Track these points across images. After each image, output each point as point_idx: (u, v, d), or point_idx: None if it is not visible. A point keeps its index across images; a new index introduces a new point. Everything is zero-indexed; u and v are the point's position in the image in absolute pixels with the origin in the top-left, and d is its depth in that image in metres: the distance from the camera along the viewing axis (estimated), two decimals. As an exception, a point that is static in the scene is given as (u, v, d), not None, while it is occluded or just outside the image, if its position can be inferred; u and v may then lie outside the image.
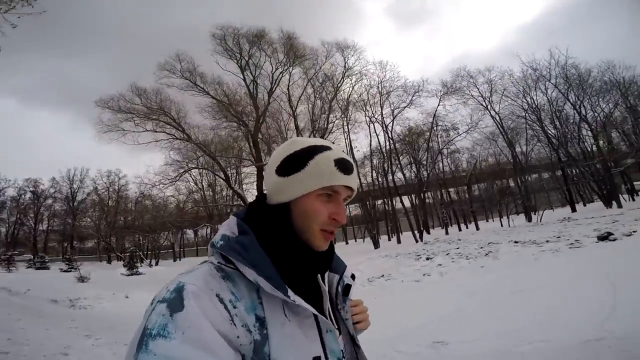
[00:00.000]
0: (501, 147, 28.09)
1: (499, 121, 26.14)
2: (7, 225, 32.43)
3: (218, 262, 0.58)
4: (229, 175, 21.14)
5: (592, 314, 3.67)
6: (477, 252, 12.44)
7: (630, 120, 29.97)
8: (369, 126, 24.90)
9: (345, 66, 21.68)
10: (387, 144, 25.09)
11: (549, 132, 26.88)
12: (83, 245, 38.02)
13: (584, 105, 26.33)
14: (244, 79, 20.61)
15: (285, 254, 0.60)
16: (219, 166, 19.00)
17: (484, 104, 26.35)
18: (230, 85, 21.07)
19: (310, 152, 0.64)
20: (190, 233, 42.65)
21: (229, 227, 0.64)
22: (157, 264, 29.21)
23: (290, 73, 21.59)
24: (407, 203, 30.64)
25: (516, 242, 13.09)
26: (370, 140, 25.00)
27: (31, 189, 33.14)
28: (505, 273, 7.63)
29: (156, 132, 18.09)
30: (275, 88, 20.57)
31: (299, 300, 0.56)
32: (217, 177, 22.63)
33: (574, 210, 25.62)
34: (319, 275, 0.65)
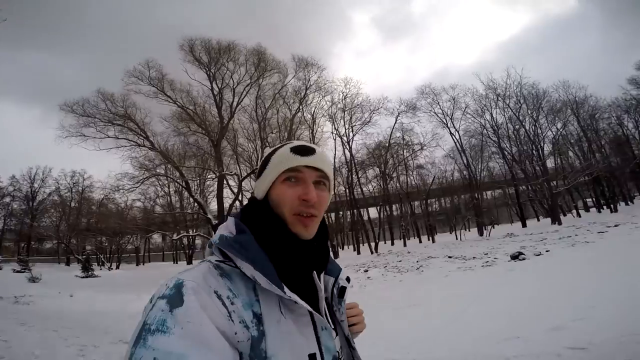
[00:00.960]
0: (466, 163, 30.28)
1: (457, 139, 28.31)
2: (-41, 224, 31.79)
3: (216, 261, 0.61)
4: (192, 183, 22.11)
5: (414, 340, 4.32)
6: (411, 266, 13.97)
7: (584, 139, 32.71)
8: (335, 140, 26.57)
9: (306, 83, 23.24)
10: (350, 158, 26.74)
11: (506, 149, 29.29)
12: (41, 246, 37.59)
13: (537, 125, 28.79)
14: (212, 89, 21.84)
15: (280, 249, 0.64)
16: (180, 174, 20.01)
17: (444, 121, 28.52)
18: (200, 94, 22.23)
19: (272, 152, 0.73)
20: (158, 238, 42.83)
21: (227, 227, 0.67)
22: (117, 267, 29.51)
23: (259, 85, 23.01)
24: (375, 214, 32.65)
25: (450, 257, 14.66)
26: (335, 154, 26.58)
27: (-13, 186, 32.75)
28: (408, 288, 9.02)
29: (118, 138, 18.91)
30: (241, 100, 21.92)
31: (295, 297, 0.59)
32: (179, 184, 23.36)
33: (524, 225, 28.01)
34: (315, 274, 0.69)
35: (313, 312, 0.62)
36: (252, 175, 19.27)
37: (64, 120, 18.31)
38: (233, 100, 21.52)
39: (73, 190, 35.50)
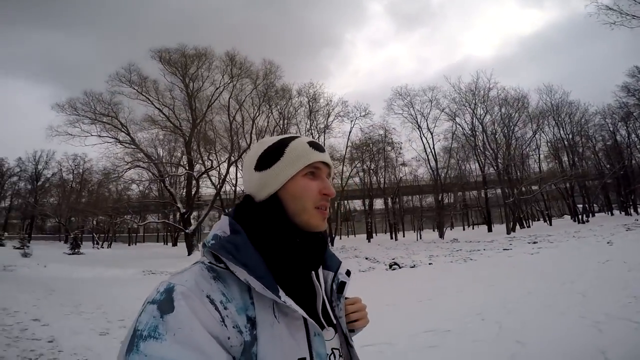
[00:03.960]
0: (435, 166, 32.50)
1: (428, 141, 30.72)
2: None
3: (209, 262, 0.63)
4: (168, 173, 26.20)
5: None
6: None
7: (563, 146, 33.98)
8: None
9: (266, 86, 26.46)
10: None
11: (481, 153, 31.26)
12: (44, 224, 43.35)
13: (508, 130, 30.47)
14: (186, 91, 25.57)
15: (278, 249, 0.66)
16: (156, 168, 24.09)
17: (417, 122, 30.73)
18: (177, 95, 26.04)
19: (283, 142, 0.74)
20: (152, 219, 47.94)
21: (220, 227, 0.69)
22: (109, 246, 34.48)
23: (234, 85, 26.48)
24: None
25: (367, 258, 17.59)
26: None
27: (-5, 167, 38.10)
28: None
29: (101, 136, 23.07)
30: (213, 102, 25.54)
31: (290, 302, 0.61)
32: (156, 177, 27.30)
33: (490, 230, 30.66)
34: (314, 274, 0.71)
35: (307, 317, 0.63)
36: (206, 174, 23.22)
37: (54, 120, 22.51)
38: (194, 106, 25.11)
39: (74, 173, 40.80)
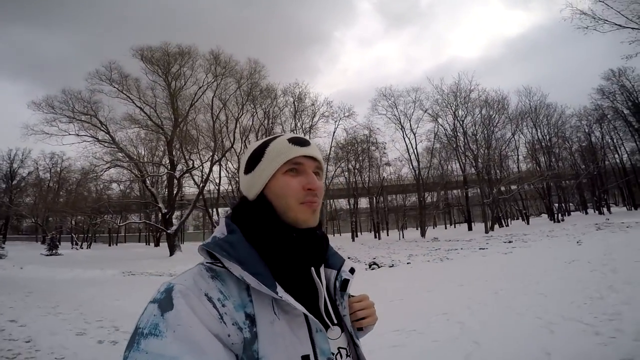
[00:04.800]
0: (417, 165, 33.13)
1: (410, 142, 31.31)
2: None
3: (208, 262, 0.65)
4: (148, 173, 25.86)
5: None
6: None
7: (539, 146, 35.13)
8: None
9: (250, 86, 26.43)
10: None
11: (462, 153, 32.01)
12: (20, 224, 42.06)
13: (488, 131, 31.30)
14: (168, 90, 25.27)
15: (273, 245, 0.66)
16: (136, 167, 23.74)
17: (400, 123, 31.22)
18: (159, 93, 25.68)
19: (265, 144, 0.74)
20: (135, 218, 47.14)
21: (219, 229, 0.70)
22: (89, 246, 33.77)
23: (218, 84, 26.32)
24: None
25: (349, 257, 18.03)
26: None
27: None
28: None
29: (79, 135, 22.57)
30: (196, 101, 25.33)
31: (287, 297, 0.61)
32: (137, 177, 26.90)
33: (470, 229, 31.54)
34: (313, 270, 0.70)
35: (307, 314, 0.63)
36: (188, 173, 23.11)
37: (30, 119, 21.88)
38: (176, 105, 24.85)
39: (52, 171, 39.66)
